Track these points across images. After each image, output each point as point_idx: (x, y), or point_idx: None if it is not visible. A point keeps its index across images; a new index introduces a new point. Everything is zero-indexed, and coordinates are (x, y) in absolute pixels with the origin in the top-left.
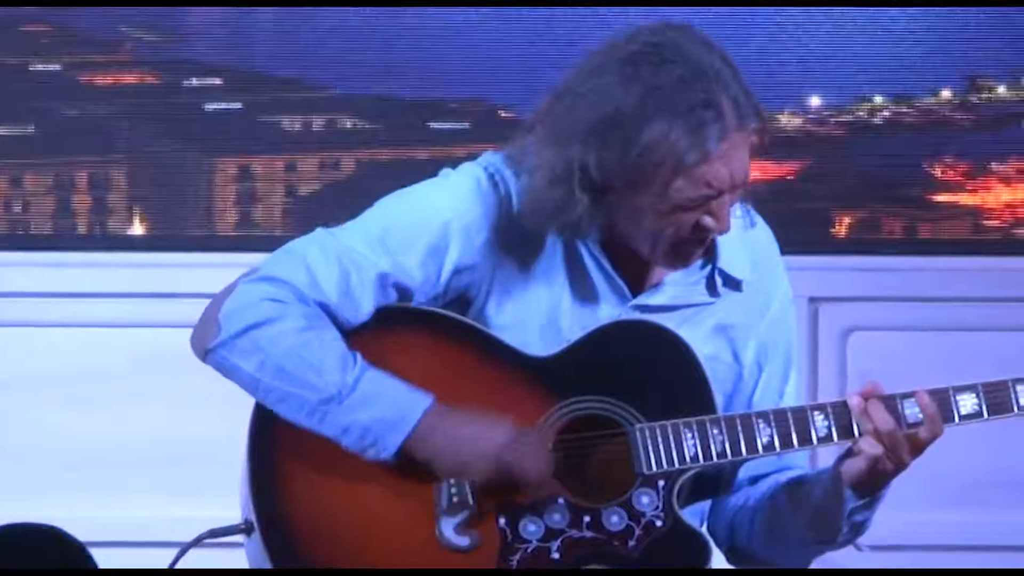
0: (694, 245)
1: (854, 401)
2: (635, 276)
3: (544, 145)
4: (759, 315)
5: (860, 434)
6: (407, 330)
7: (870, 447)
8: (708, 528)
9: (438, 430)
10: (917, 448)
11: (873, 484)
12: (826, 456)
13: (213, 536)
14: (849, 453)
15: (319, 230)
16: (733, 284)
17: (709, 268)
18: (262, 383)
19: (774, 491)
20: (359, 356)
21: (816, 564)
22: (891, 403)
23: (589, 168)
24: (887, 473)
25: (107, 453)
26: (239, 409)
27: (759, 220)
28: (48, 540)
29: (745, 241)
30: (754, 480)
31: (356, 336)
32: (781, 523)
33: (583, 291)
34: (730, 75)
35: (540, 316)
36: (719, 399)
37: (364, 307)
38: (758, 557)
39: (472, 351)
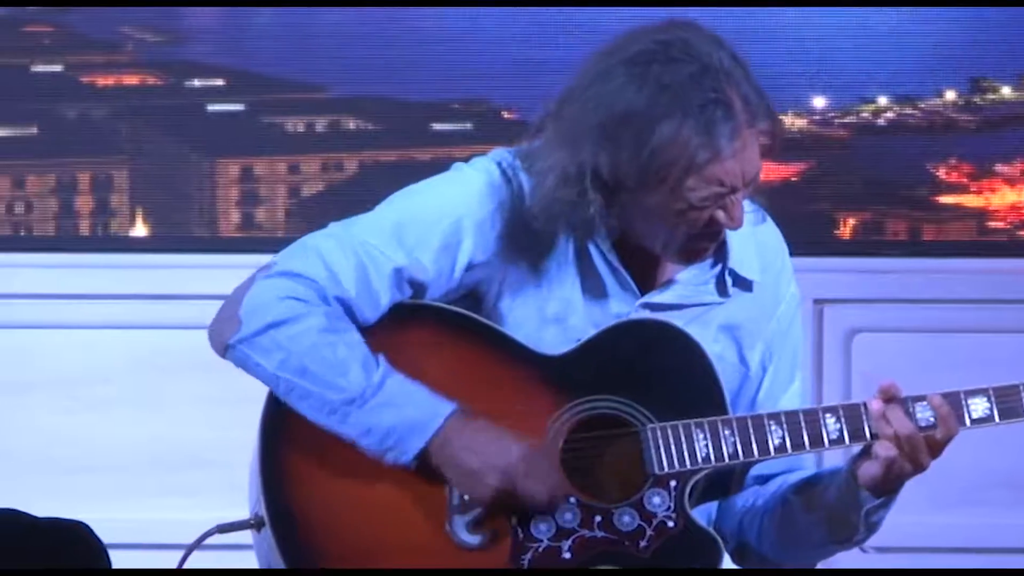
0: (707, 241)
1: (874, 406)
2: (645, 274)
3: (554, 147)
4: (767, 317)
5: (873, 437)
6: (420, 327)
7: (885, 450)
8: (715, 527)
9: (457, 437)
10: (935, 450)
11: (890, 485)
12: (833, 456)
13: (221, 531)
14: (863, 454)
15: (333, 224)
16: (744, 285)
17: (720, 268)
18: (283, 380)
19: (785, 492)
20: (382, 358)
21: (818, 564)
22: (905, 407)
23: (601, 169)
24: (905, 475)
25: (110, 455)
26: (243, 411)
27: (768, 218)
28: (75, 536)
29: (756, 242)
30: (762, 479)
31: (372, 334)
32: (795, 525)
33: (593, 288)
34: (740, 73)
35: (551, 313)
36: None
37: (382, 301)
38: (768, 558)
39: (484, 348)
